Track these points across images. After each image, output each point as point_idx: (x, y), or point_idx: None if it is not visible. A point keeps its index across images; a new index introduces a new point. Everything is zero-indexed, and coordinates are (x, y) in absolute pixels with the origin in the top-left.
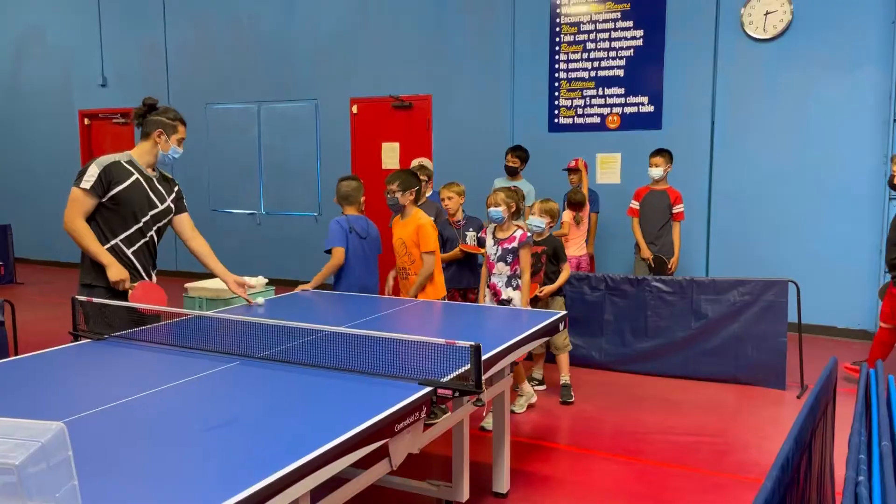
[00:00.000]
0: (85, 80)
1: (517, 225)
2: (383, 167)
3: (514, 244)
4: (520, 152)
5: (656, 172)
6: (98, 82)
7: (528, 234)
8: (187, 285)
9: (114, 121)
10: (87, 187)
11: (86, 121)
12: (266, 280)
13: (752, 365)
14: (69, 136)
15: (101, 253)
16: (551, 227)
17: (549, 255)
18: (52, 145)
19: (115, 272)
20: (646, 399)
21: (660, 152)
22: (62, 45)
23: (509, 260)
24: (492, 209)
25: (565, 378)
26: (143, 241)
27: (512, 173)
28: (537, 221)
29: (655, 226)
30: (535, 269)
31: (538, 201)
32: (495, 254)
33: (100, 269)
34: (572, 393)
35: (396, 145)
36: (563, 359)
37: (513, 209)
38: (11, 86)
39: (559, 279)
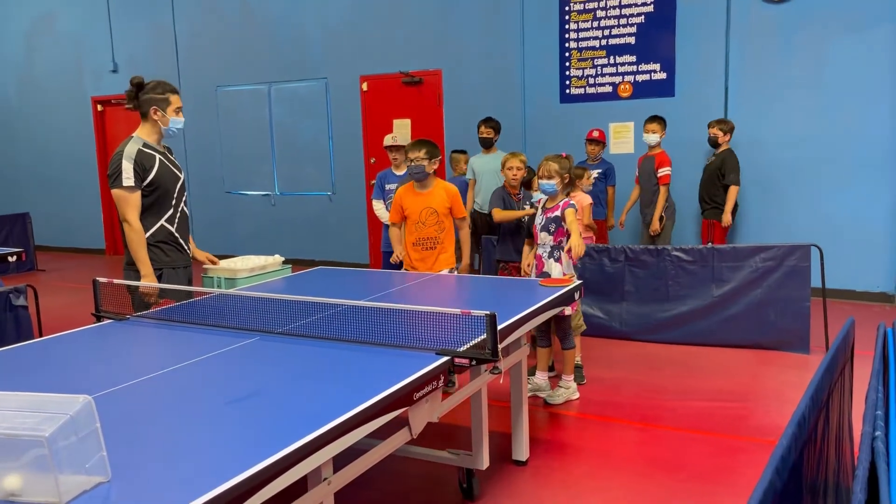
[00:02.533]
0: (96, 66)
1: (567, 194)
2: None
3: (558, 212)
4: (492, 123)
5: (652, 139)
6: (109, 68)
7: (571, 202)
8: (205, 265)
9: (126, 106)
10: (132, 184)
11: (98, 107)
12: (283, 259)
13: (775, 330)
14: (83, 123)
15: (145, 263)
16: (518, 196)
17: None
18: (67, 133)
19: (149, 282)
20: (666, 366)
21: (654, 119)
22: (73, 32)
23: (552, 230)
24: (544, 182)
25: (577, 359)
26: (180, 215)
27: (487, 146)
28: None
29: (648, 192)
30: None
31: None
32: (540, 223)
33: (158, 251)
34: (583, 374)
35: (408, 121)
36: (576, 339)
37: (566, 180)
38: (24, 74)
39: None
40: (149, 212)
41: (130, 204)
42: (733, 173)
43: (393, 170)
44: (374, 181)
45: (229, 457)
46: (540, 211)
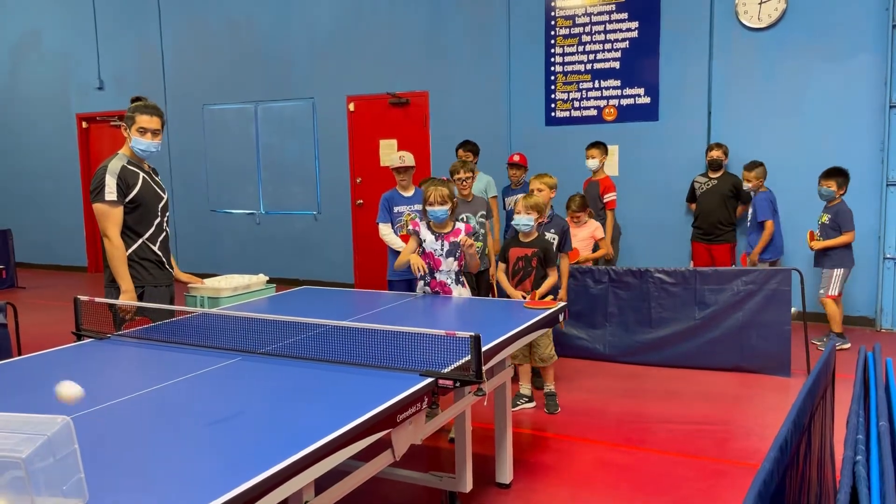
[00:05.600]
0: (82, 83)
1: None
2: (381, 164)
3: (462, 235)
4: (470, 146)
5: (593, 164)
6: (95, 85)
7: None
8: (190, 284)
9: (111, 123)
10: (114, 198)
11: (83, 124)
12: (266, 278)
13: (756, 354)
14: (67, 139)
15: (126, 278)
16: (541, 223)
17: (541, 258)
18: (51, 149)
19: (128, 298)
20: (649, 389)
21: (594, 145)
22: (59, 49)
23: (457, 254)
24: (436, 208)
25: (550, 386)
26: (162, 234)
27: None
28: (525, 220)
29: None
30: (524, 273)
31: (521, 197)
32: (441, 249)
33: (141, 268)
34: (558, 402)
35: (394, 142)
36: (549, 369)
37: (455, 203)
38: (9, 90)
39: (545, 284)
40: (131, 229)
41: (111, 219)
42: (748, 193)
43: (400, 191)
44: (359, 201)
45: (209, 479)
46: (433, 237)
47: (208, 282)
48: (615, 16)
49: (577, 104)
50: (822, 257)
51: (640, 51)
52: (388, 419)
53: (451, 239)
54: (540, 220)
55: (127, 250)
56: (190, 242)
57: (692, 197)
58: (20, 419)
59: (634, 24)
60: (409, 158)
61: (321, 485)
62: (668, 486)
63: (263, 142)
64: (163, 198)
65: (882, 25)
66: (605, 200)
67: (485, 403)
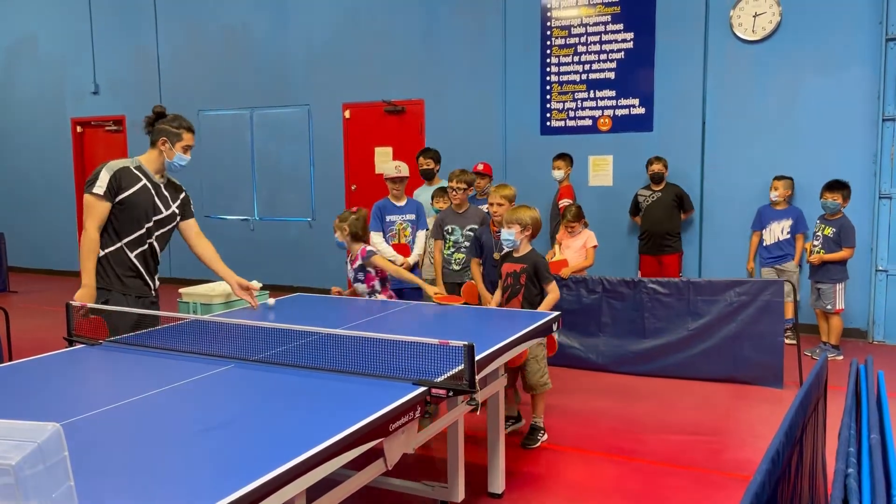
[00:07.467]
0: (77, 87)
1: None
2: (376, 172)
3: (359, 262)
4: (431, 153)
5: (558, 174)
6: (90, 90)
7: (368, 248)
8: (181, 290)
9: (106, 128)
10: (101, 192)
11: (78, 128)
12: (260, 285)
13: (749, 364)
14: (62, 144)
15: (88, 272)
16: (529, 235)
17: (530, 275)
18: (45, 154)
19: (84, 294)
20: (642, 399)
21: (560, 156)
22: (54, 53)
23: (361, 278)
24: (336, 236)
25: (537, 419)
26: (144, 246)
27: (429, 177)
28: (505, 234)
29: (554, 223)
30: (512, 292)
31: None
32: (352, 276)
33: (115, 277)
34: (538, 437)
35: (389, 150)
36: (540, 398)
37: (346, 232)
38: (4, 94)
39: (545, 302)
40: (112, 230)
41: (93, 212)
42: (689, 202)
43: (392, 201)
44: (354, 208)
45: (200, 488)
46: (348, 264)
47: (202, 288)
48: (611, 26)
49: (572, 114)
50: (823, 271)
51: (636, 61)
52: (380, 428)
53: (353, 266)
54: (526, 234)
55: (103, 251)
56: (183, 248)
57: (635, 210)
58: (9, 425)
59: (630, 35)
60: (404, 169)
61: (313, 494)
62: (661, 496)
63: (259, 148)
64: (161, 212)
65: (875, 39)
66: (560, 206)
67: (478, 413)
